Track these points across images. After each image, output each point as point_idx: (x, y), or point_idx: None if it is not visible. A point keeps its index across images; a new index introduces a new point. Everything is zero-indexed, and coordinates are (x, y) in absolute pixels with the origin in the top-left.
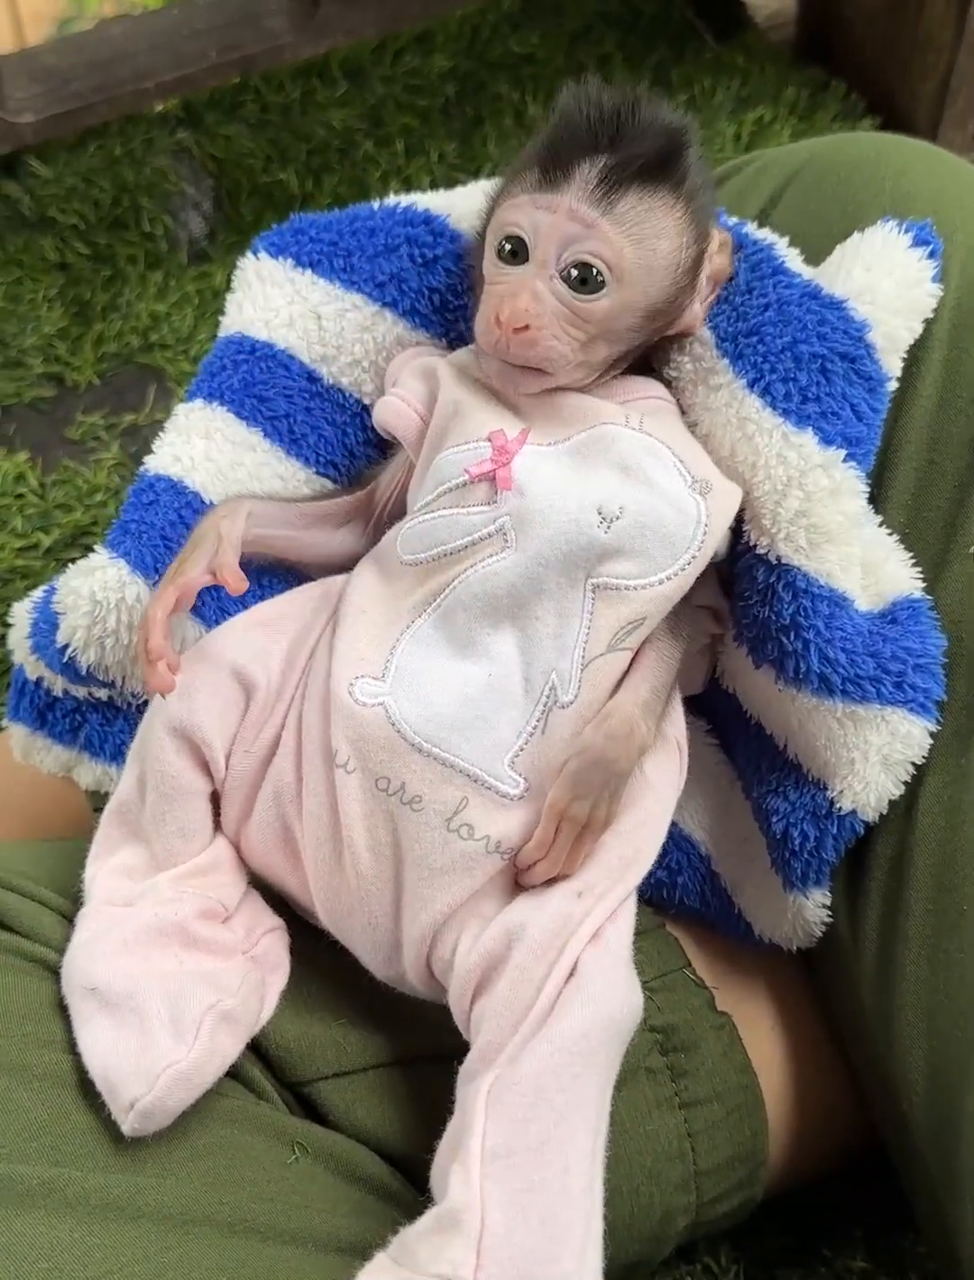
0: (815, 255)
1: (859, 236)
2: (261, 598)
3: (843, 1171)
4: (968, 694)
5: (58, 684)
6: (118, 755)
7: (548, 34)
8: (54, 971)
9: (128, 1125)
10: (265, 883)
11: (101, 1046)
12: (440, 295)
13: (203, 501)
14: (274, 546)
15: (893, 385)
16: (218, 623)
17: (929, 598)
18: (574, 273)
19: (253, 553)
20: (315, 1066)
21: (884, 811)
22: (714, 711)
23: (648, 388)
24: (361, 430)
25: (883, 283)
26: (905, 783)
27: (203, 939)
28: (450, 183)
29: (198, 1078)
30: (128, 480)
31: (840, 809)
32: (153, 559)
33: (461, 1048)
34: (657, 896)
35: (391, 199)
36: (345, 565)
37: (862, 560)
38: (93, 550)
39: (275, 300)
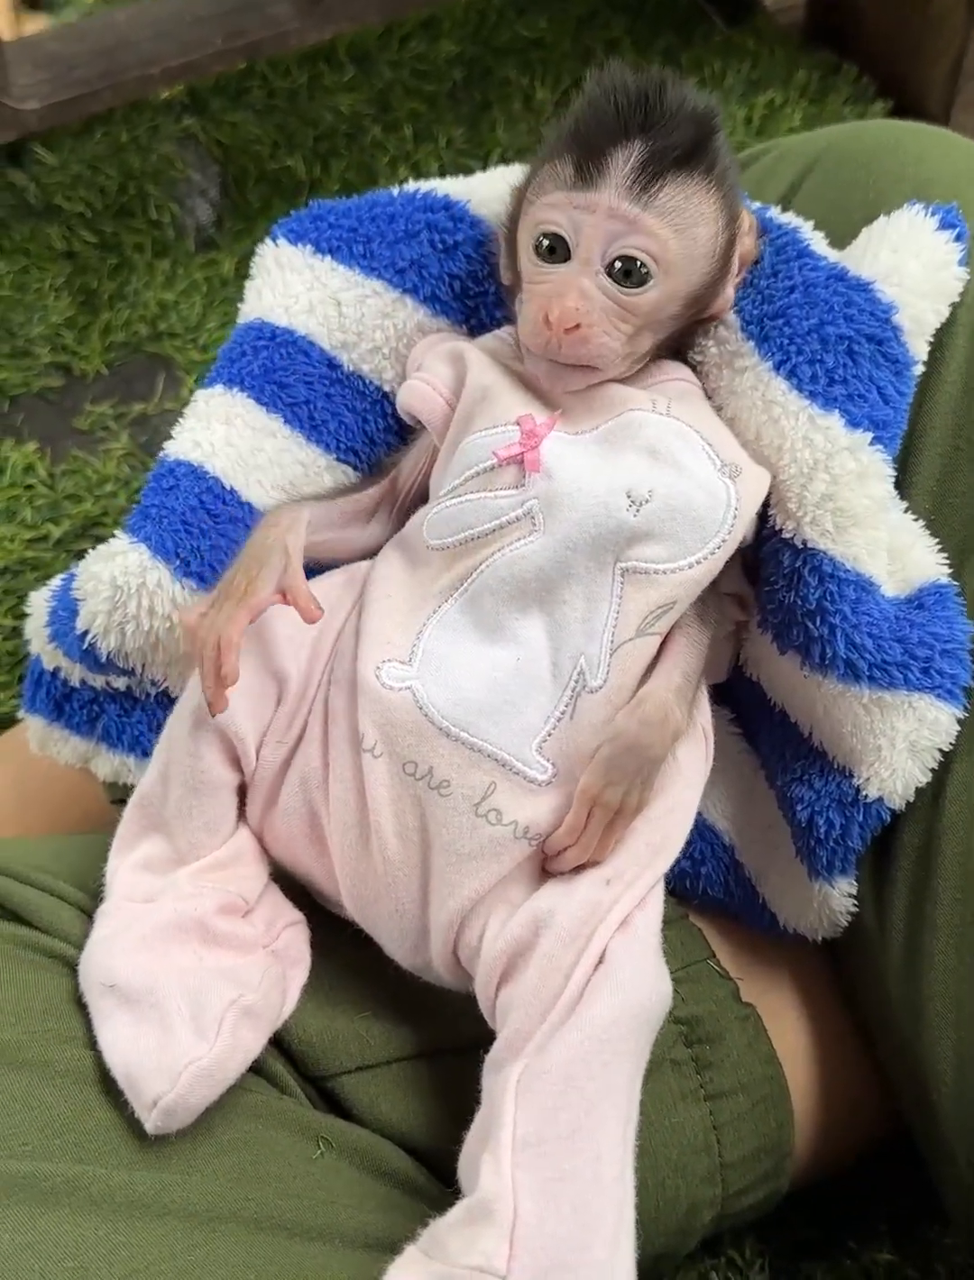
0: (837, 242)
1: (886, 219)
2: None
3: (868, 1160)
4: None
5: (75, 673)
6: (135, 746)
7: (555, 18)
8: (73, 966)
9: (151, 1123)
10: (285, 876)
11: (122, 1044)
12: (460, 281)
13: (223, 487)
14: (324, 550)
15: (919, 369)
16: None
17: (956, 583)
18: (619, 266)
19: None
20: (338, 1060)
21: (911, 799)
22: (737, 699)
23: (674, 370)
24: (382, 417)
25: (910, 265)
26: (933, 770)
27: (223, 934)
28: (459, 168)
29: (220, 1074)
30: (138, 470)
31: (867, 796)
32: (173, 544)
33: (485, 1038)
34: (680, 887)
35: (411, 185)
36: (371, 555)
37: (888, 545)
38: (104, 540)
39: (295, 286)
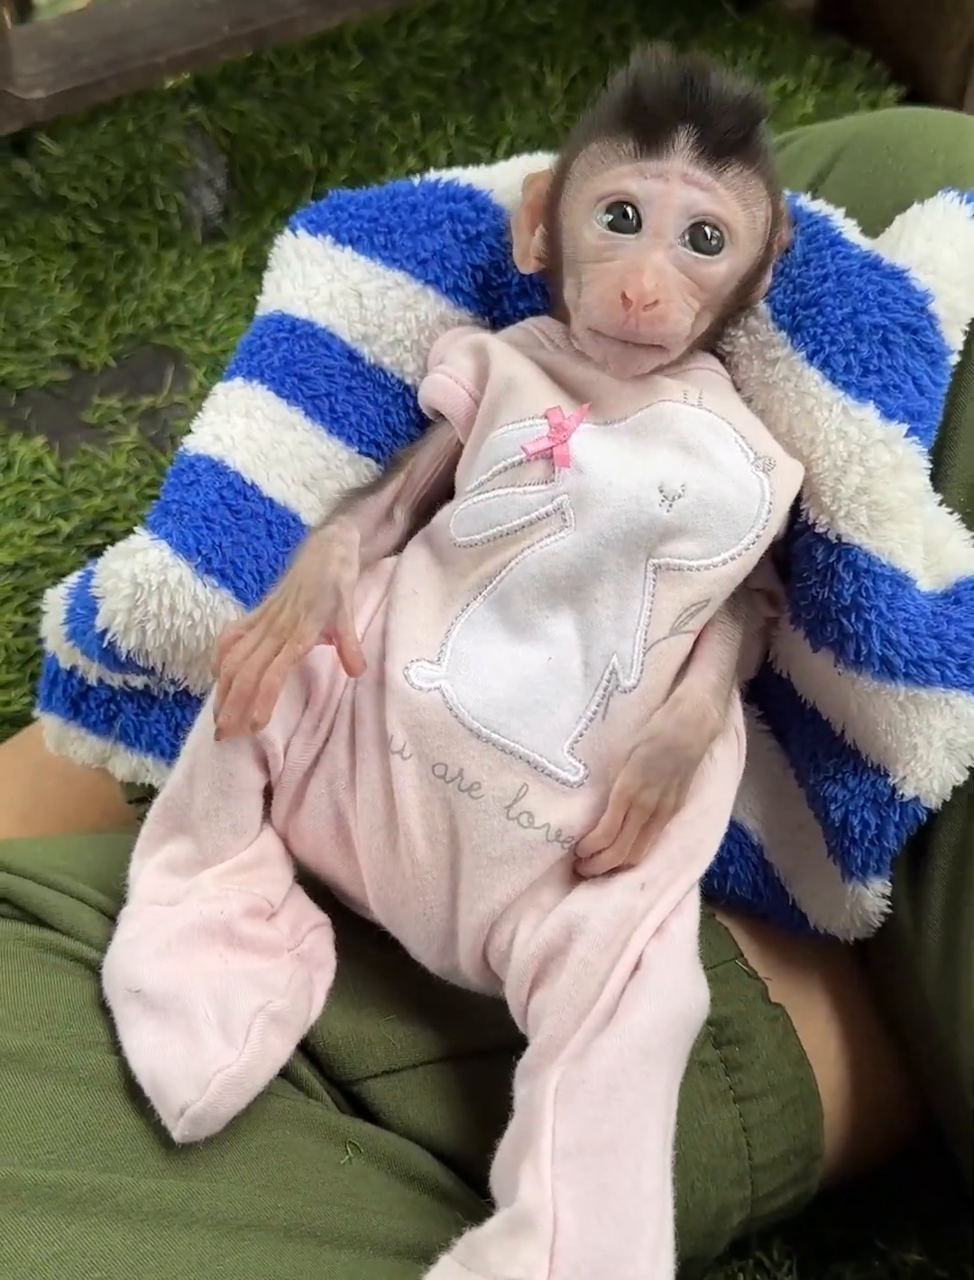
0: (867, 231)
1: (919, 207)
2: None
3: (896, 1159)
4: None
5: (93, 672)
6: (154, 746)
7: (564, 4)
8: (95, 970)
9: (178, 1132)
10: (309, 877)
11: (148, 1050)
12: (483, 272)
13: (243, 481)
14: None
15: (955, 359)
16: (257, 594)
17: None
18: (693, 235)
19: None
20: (365, 1064)
21: (947, 798)
22: (766, 696)
23: (701, 359)
24: (404, 410)
25: (944, 253)
26: (970, 768)
27: (248, 938)
28: (468, 156)
29: (249, 1082)
30: (148, 464)
31: (902, 796)
32: (195, 540)
33: (512, 1041)
34: (707, 886)
35: (432, 174)
36: (393, 552)
37: (923, 539)
38: (114, 536)
39: (315, 278)
